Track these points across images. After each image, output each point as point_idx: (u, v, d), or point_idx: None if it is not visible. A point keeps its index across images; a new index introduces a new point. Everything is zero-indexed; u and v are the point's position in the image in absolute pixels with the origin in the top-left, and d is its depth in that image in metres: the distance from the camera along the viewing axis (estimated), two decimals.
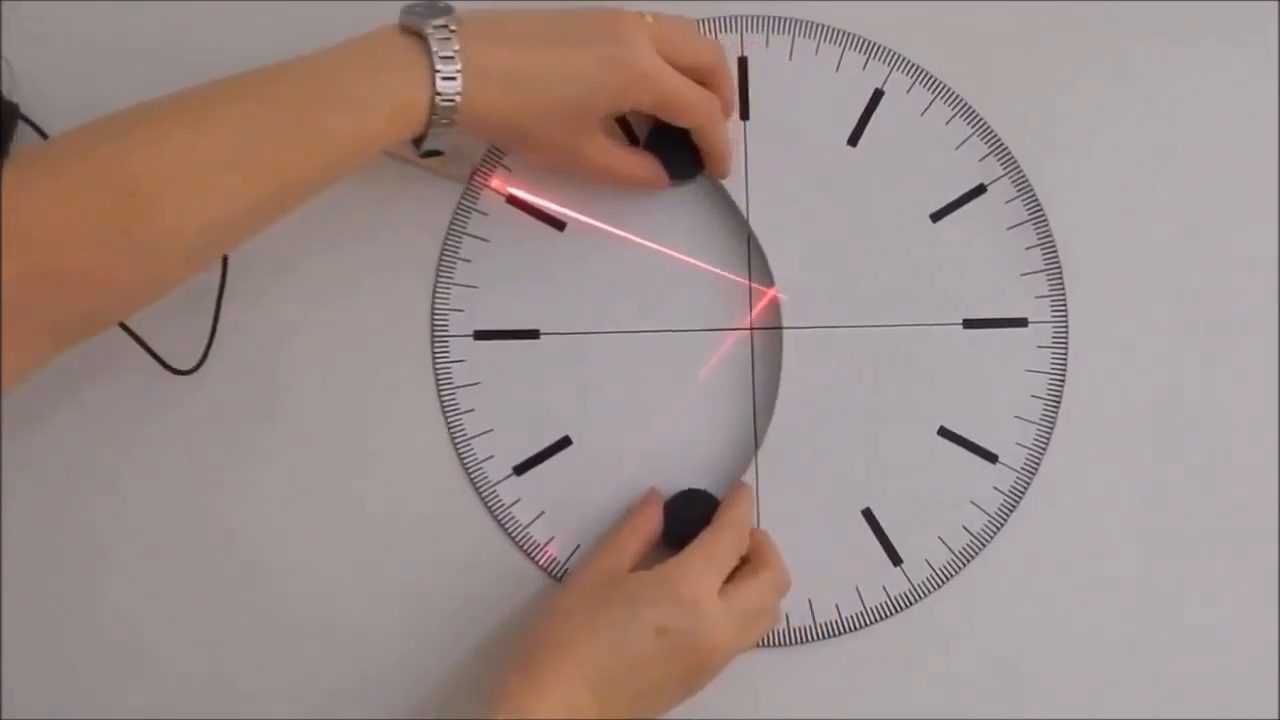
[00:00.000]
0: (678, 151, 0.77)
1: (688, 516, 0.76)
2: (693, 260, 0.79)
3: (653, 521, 0.76)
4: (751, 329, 0.79)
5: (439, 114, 0.67)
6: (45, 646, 0.75)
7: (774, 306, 0.79)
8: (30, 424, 0.76)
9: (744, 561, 0.75)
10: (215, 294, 0.76)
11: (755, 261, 0.79)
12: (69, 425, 0.76)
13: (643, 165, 0.77)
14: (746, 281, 0.79)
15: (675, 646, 0.69)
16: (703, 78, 0.74)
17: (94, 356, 0.76)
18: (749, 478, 0.78)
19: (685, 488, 0.77)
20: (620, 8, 0.72)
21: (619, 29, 0.70)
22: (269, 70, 0.65)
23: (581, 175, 0.76)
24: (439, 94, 0.67)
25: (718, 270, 0.79)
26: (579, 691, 0.67)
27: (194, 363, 0.76)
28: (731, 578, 0.73)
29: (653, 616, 0.69)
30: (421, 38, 0.67)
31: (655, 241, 0.79)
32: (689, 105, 0.73)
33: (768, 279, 0.79)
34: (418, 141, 0.69)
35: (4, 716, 0.74)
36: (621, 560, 0.74)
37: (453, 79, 0.67)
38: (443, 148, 0.70)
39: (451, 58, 0.67)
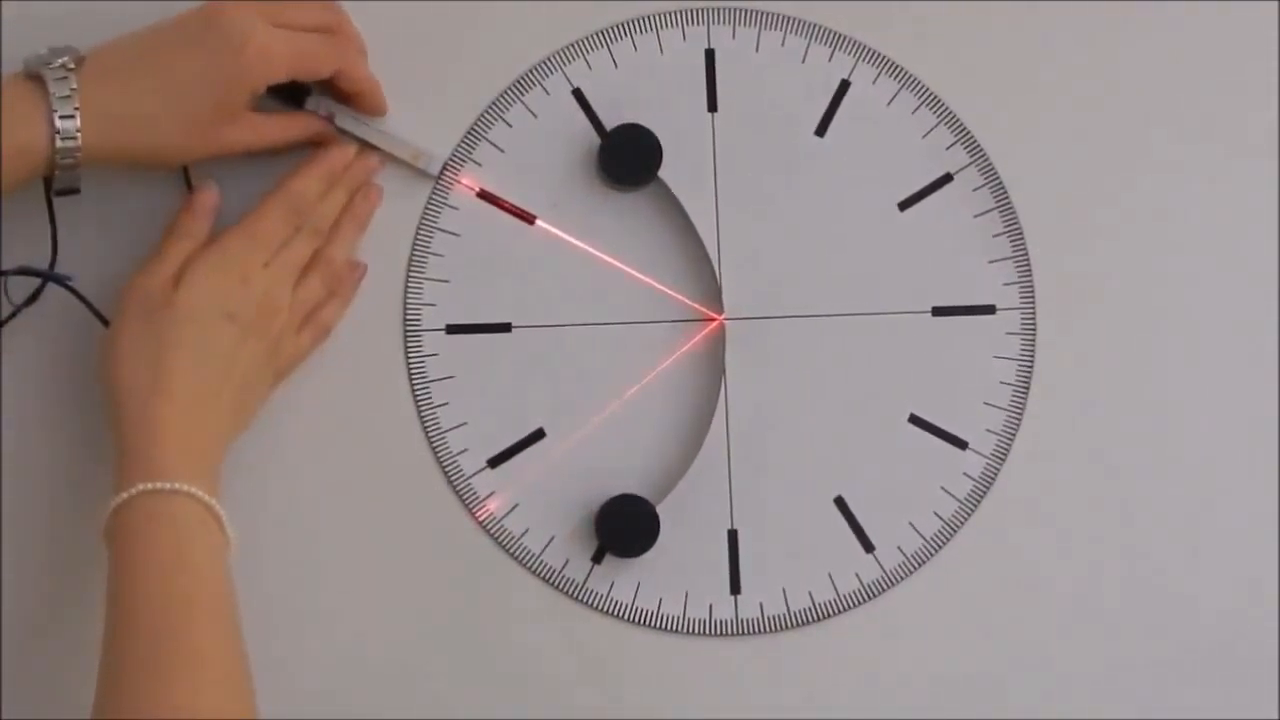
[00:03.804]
0: (633, 157, 0.78)
1: (623, 522, 0.77)
2: (663, 253, 0.80)
3: (200, 220, 0.75)
4: (723, 319, 0.79)
5: (61, 154, 0.68)
6: (45, 645, 0.75)
7: (745, 296, 0.79)
8: (29, 411, 0.77)
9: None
10: None
11: (725, 252, 0.80)
12: (62, 411, 0.77)
13: (296, 124, 0.76)
14: (717, 272, 0.79)
15: (247, 330, 0.72)
16: (327, 33, 0.75)
17: (79, 352, 0.76)
18: (723, 467, 0.78)
19: (621, 493, 0.77)
20: None
21: (219, 19, 0.70)
22: None
23: (251, 153, 0.75)
24: (59, 133, 0.67)
25: (688, 262, 0.80)
26: (191, 432, 0.69)
27: None
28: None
29: (217, 311, 0.71)
30: (41, 80, 0.67)
31: (625, 236, 0.79)
32: (315, 57, 0.73)
33: (738, 270, 0.79)
34: (48, 182, 0.70)
35: (4, 717, 0.75)
36: (165, 271, 0.73)
37: (71, 117, 0.67)
38: (76, 185, 0.70)
39: (69, 97, 0.67)
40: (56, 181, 0.70)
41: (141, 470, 0.68)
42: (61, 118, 0.67)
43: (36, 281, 0.74)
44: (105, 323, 0.74)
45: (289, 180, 0.76)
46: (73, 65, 0.68)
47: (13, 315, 0.75)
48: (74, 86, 0.67)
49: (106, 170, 0.71)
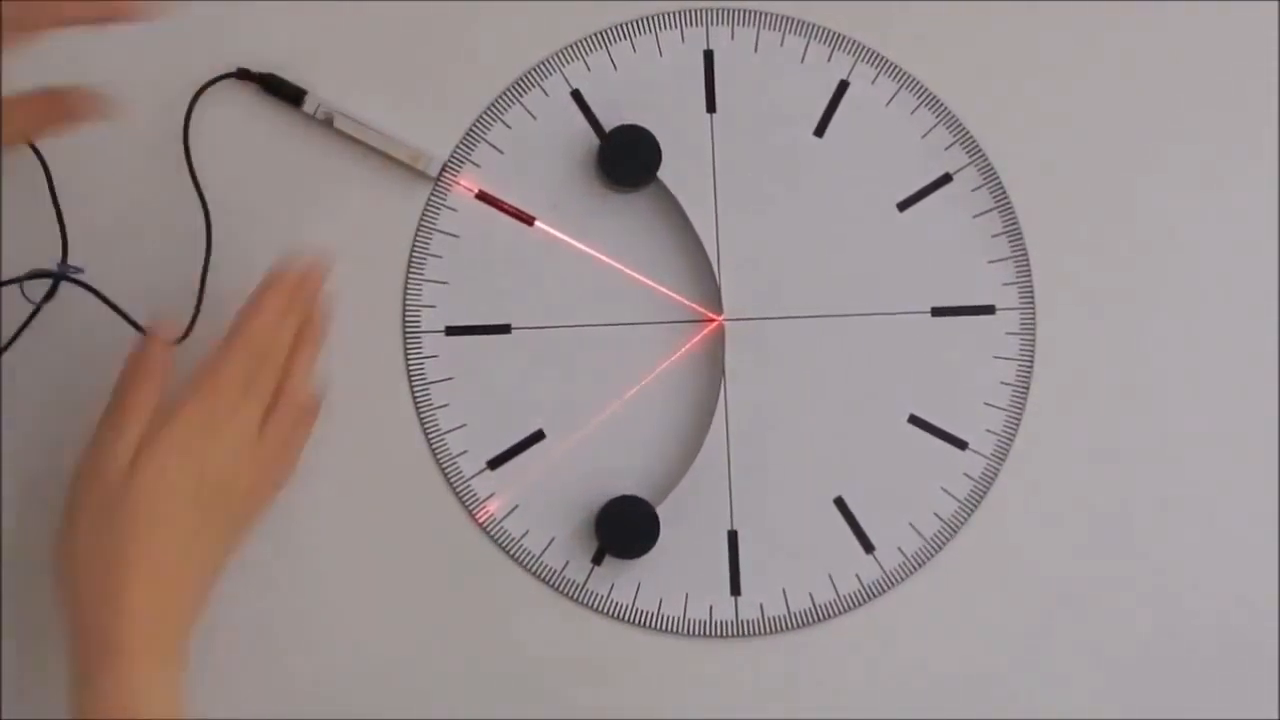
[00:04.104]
0: (632, 158, 0.78)
1: (623, 523, 0.77)
2: (662, 254, 0.80)
3: (154, 376, 0.70)
4: (723, 320, 0.79)
5: None
6: (45, 645, 0.75)
7: (745, 297, 0.79)
8: (29, 411, 0.77)
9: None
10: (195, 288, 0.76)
11: (725, 253, 0.80)
12: (60, 402, 0.77)
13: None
14: (716, 273, 0.79)
15: (210, 509, 0.68)
16: None
17: (77, 330, 0.76)
18: (723, 468, 0.78)
19: (621, 494, 0.77)
20: None
21: None
22: None
23: None
24: None
25: (688, 262, 0.80)
26: (157, 624, 0.66)
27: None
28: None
29: (178, 500, 0.67)
30: None
31: (624, 237, 0.80)
32: (11, 23, 0.65)
33: (738, 270, 0.79)
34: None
35: (4, 717, 0.75)
36: (122, 455, 0.68)
37: None
38: None
39: None
40: None
41: (104, 664, 0.65)
42: None
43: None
44: (119, 312, 0.74)
45: (245, 321, 0.71)
46: None
47: (33, 315, 0.75)
48: None
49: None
